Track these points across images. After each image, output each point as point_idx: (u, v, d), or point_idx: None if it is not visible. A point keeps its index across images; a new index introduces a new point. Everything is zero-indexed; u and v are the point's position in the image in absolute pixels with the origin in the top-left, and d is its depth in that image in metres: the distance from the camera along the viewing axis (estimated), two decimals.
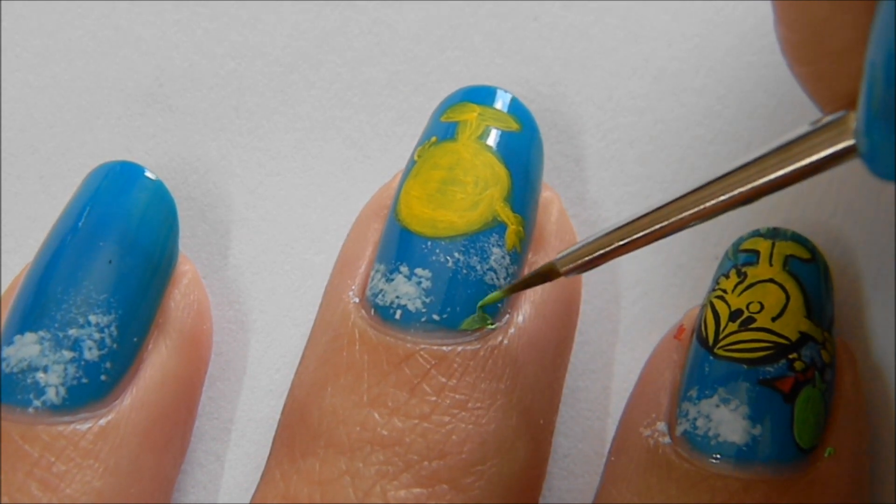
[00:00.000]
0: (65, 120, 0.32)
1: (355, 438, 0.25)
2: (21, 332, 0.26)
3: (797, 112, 0.31)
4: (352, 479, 0.25)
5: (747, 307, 0.27)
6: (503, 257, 0.27)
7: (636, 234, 0.24)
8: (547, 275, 0.26)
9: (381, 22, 0.33)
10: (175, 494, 0.29)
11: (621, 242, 0.24)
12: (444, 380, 0.26)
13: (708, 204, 0.23)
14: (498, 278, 0.27)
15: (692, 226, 0.23)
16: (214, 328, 0.30)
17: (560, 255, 0.25)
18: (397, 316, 0.26)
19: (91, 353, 0.26)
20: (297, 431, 0.26)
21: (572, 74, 0.32)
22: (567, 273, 0.25)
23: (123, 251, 0.27)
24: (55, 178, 0.32)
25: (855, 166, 0.30)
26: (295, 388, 0.27)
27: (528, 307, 0.27)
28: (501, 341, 0.26)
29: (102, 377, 0.26)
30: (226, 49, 0.33)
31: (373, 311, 0.27)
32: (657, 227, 0.24)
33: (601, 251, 0.25)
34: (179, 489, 0.30)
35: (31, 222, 0.32)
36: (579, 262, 0.25)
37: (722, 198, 0.23)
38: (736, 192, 0.23)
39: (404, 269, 0.27)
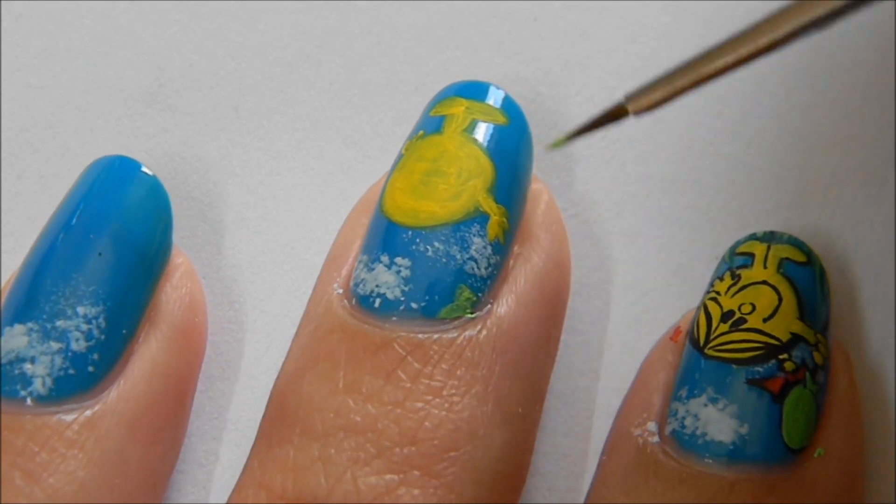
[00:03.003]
0: (65, 120, 0.32)
1: (329, 425, 0.25)
2: (10, 323, 0.26)
3: (798, 112, 0.31)
4: (324, 466, 0.25)
5: (739, 308, 0.27)
6: (485, 247, 0.27)
7: (705, 68, 0.23)
8: (616, 114, 0.25)
9: (381, 22, 0.33)
10: (175, 494, 0.29)
11: (693, 78, 0.24)
12: (419, 367, 0.26)
13: (762, 41, 0.23)
14: (479, 268, 0.27)
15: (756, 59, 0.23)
16: (213, 327, 0.31)
17: (629, 93, 0.24)
18: (376, 304, 0.26)
19: (78, 345, 0.26)
20: (274, 421, 0.26)
21: (572, 74, 0.32)
22: (638, 112, 0.24)
23: (114, 244, 0.27)
24: (55, 178, 0.32)
25: (856, 165, 0.30)
26: (278, 379, 0.28)
27: (510, 298, 0.27)
28: (480, 330, 0.26)
29: (90, 368, 0.26)
30: (226, 49, 0.33)
31: (354, 300, 0.27)
32: (721, 62, 0.23)
33: (672, 87, 0.24)
34: (179, 489, 0.30)
35: (31, 222, 0.32)
36: (650, 99, 0.24)
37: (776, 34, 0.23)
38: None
39: (385, 258, 0.27)
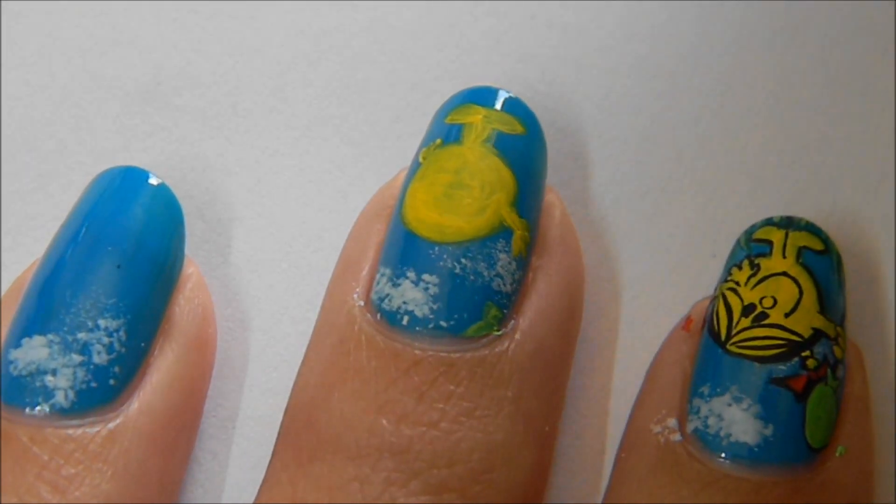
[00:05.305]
0: (63, 118, 0.32)
1: (364, 445, 0.25)
2: (29, 334, 0.26)
3: (797, 111, 0.31)
4: (360, 486, 0.25)
5: (760, 302, 0.27)
6: (510, 263, 0.27)
7: None
8: None
9: (379, 20, 0.32)
10: (181, 496, 0.29)
11: None
12: (451, 387, 0.26)
13: None
14: (504, 284, 0.27)
15: None
16: (218, 329, 0.31)
17: None
18: (404, 322, 0.26)
19: (100, 358, 0.26)
20: (303, 435, 0.26)
21: (570, 73, 0.32)
22: None
23: (131, 255, 0.27)
24: (53, 177, 0.32)
25: (856, 163, 0.31)
26: (299, 390, 0.27)
27: (533, 312, 0.27)
28: (508, 347, 0.26)
29: (111, 381, 0.26)
30: (224, 47, 0.33)
31: (379, 315, 0.27)
32: None
33: None
34: (185, 492, 0.30)
35: (30, 220, 0.31)
36: None
37: None
38: None
39: (411, 274, 0.26)
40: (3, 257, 0.31)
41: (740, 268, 0.28)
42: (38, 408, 0.26)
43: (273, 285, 0.31)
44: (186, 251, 0.30)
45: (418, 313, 0.26)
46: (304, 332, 0.29)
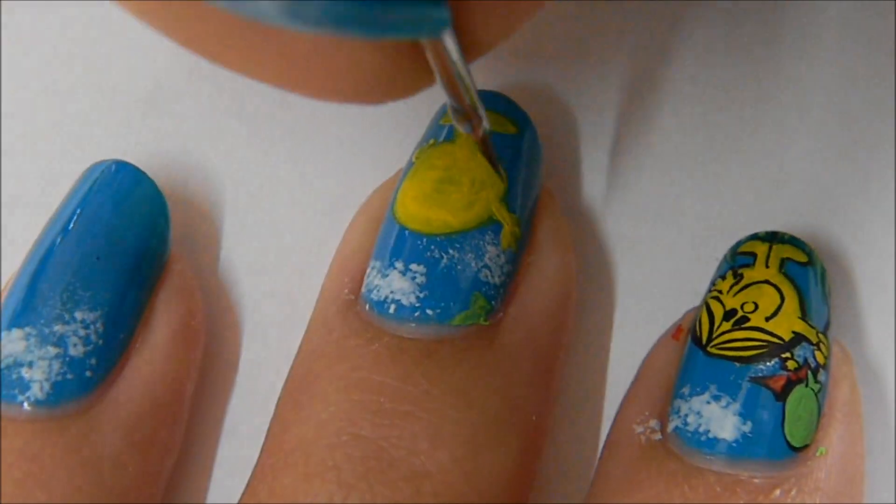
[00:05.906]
0: (64, 124, 0.32)
1: (344, 432, 0.25)
2: (8, 328, 0.26)
3: (799, 120, 0.31)
4: (338, 474, 0.25)
5: (742, 307, 0.27)
6: (498, 255, 0.27)
7: None
8: None
9: None
10: (173, 494, 0.29)
11: None
12: (437, 374, 0.26)
13: None
14: (493, 276, 0.27)
15: None
16: (213, 329, 0.31)
17: None
18: (391, 310, 0.26)
19: (76, 350, 0.26)
20: (287, 425, 0.26)
21: (572, 78, 0.32)
22: None
23: (111, 248, 0.27)
24: (55, 183, 0.32)
25: (856, 166, 0.31)
26: (288, 381, 0.28)
27: (523, 305, 0.27)
28: (495, 338, 0.26)
29: (87, 373, 0.26)
30: None
31: (367, 306, 0.27)
32: None
33: None
34: (178, 489, 0.30)
35: (31, 227, 0.32)
36: None
37: None
38: None
39: (399, 264, 0.27)
40: (3, 264, 0.31)
41: (724, 278, 0.28)
42: (14, 400, 0.26)
43: (273, 289, 0.31)
44: (188, 256, 0.30)
45: (405, 302, 0.26)
46: (302, 335, 0.29)
